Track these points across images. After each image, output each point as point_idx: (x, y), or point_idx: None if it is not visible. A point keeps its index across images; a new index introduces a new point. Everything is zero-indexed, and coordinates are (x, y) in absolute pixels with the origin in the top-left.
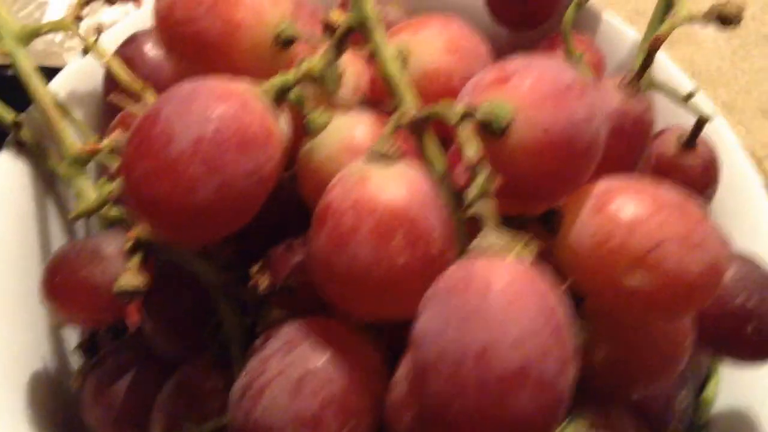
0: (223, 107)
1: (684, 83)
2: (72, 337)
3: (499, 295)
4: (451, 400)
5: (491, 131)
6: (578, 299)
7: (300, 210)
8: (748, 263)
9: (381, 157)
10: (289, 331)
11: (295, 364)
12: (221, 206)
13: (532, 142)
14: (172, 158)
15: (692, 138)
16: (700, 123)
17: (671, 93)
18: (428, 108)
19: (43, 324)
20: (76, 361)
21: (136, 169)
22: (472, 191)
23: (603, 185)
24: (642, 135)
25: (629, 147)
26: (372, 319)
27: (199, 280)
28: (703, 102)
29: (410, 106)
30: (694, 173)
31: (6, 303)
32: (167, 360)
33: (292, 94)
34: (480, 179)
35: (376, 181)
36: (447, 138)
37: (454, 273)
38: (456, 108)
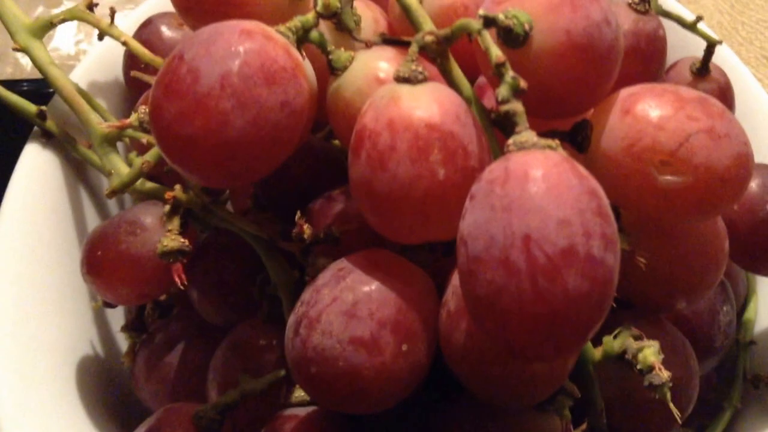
0: (247, 42)
1: (687, 15)
2: (117, 320)
3: (539, 182)
4: (503, 286)
5: (513, 39)
6: (615, 211)
7: (334, 169)
8: None
9: (408, 79)
10: (339, 263)
11: (347, 290)
12: (256, 140)
13: (555, 46)
14: (201, 95)
15: (705, 64)
16: (711, 47)
17: (678, 20)
18: (449, 27)
19: (87, 309)
20: (123, 343)
21: (166, 111)
22: (503, 90)
23: (626, 92)
24: (657, 53)
25: (646, 65)
26: (417, 242)
27: (241, 240)
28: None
29: (430, 28)
30: None
31: (49, 292)
32: (217, 328)
33: (314, 34)
34: (508, 77)
35: (408, 99)
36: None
37: (493, 169)
38: (476, 19)
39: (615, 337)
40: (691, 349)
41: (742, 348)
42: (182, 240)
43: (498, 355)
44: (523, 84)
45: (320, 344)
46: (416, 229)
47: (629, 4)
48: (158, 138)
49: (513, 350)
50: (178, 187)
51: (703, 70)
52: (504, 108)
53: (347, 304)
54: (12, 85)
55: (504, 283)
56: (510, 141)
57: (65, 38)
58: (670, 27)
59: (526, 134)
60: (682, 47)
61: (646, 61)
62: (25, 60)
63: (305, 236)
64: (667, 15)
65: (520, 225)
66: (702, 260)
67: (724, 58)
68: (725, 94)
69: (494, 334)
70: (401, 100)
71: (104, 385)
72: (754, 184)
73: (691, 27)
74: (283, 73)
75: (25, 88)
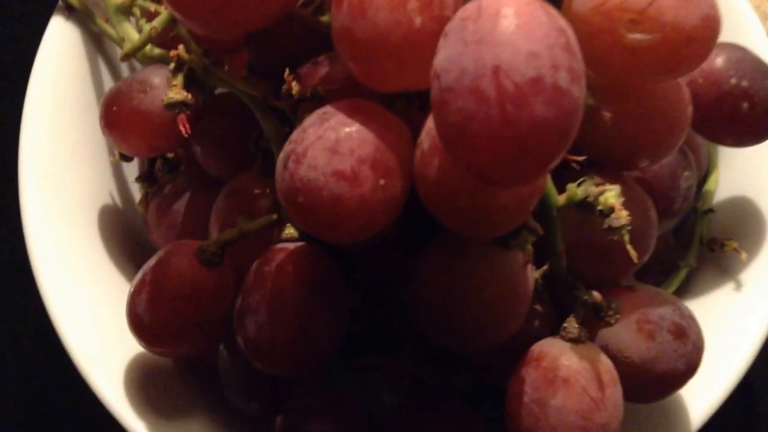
0: None
1: None
2: (132, 175)
3: (510, 18)
4: (473, 113)
5: None
6: None
7: (321, 40)
8: (739, 49)
9: None
10: (323, 108)
11: (331, 129)
12: None
13: None
14: None
15: None
16: None
17: None
18: None
19: (107, 163)
20: (137, 195)
21: None
22: None
23: None
24: None
25: None
26: (395, 90)
27: (238, 102)
28: None
29: None
30: None
31: (73, 148)
32: (219, 181)
33: None
34: None
35: None
36: None
37: (466, 7)
38: None
39: (579, 185)
40: (651, 202)
41: (701, 215)
42: (185, 93)
43: (468, 186)
44: None
45: (306, 176)
46: (394, 76)
47: None
48: None
49: (482, 174)
50: (181, 46)
51: None
52: None
53: (330, 141)
54: None
55: (474, 110)
56: None
57: None
58: None
59: None
60: None
61: None
62: None
63: (293, 93)
64: None
65: (491, 57)
66: (665, 121)
67: None
68: None
69: (464, 159)
70: None
71: (121, 228)
72: (719, 60)
73: None
74: None
75: None
